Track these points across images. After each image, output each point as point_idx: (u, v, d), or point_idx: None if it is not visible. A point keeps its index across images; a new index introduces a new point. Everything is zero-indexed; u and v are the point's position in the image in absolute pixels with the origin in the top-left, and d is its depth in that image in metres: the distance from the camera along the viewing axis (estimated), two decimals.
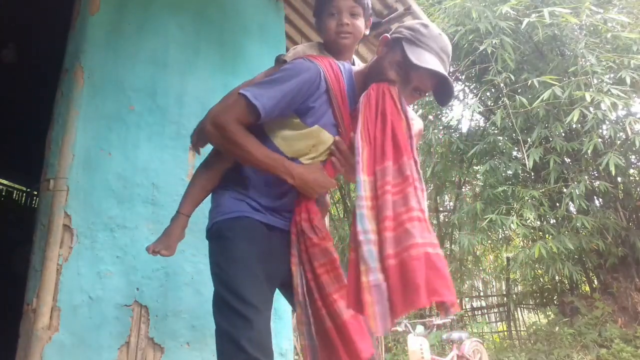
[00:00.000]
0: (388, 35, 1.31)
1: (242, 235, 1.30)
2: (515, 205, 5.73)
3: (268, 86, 1.26)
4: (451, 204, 8.41)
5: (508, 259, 7.92)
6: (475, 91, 7.01)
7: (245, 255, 1.27)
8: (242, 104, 1.24)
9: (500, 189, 5.84)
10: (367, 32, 1.59)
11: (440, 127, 7.53)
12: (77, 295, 1.96)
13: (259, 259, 1.28)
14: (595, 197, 6.21)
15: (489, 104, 7.00)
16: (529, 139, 5.46)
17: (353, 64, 1.59)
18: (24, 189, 7.76)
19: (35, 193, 7.14)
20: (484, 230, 6.27)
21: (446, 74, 1.24)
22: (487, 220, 5.59)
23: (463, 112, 7.15)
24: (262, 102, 1.22)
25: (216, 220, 1.35)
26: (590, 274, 6.75)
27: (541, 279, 7.78)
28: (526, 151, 5.31)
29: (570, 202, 5.56)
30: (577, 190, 5.22)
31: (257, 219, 1.35)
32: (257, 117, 1.24)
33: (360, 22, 1.54)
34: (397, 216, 1.11)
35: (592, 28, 5.21)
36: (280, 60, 1.51)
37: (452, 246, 7.53)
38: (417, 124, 1.43)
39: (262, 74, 1.52)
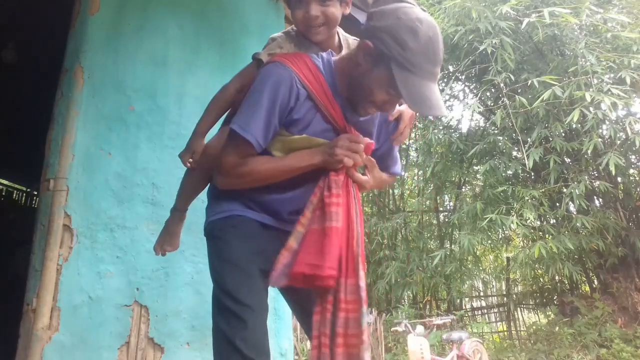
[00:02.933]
0: (370, 43, 1.15)
1: (234, 234, 1.27)
2: (515, 205, 5.73)
3: (250, 112, 1.21)
4: (451, 204, 8.41)
5: (508, 259, 7.92)
6: (475, 91, 7.01)
7: (238, 254, 1.25)
8: (237, 140, 1.21)
9: (500, 189, 5.84)
10: (348, 11, 1.38)
11: (440, 127, 7.53)
12: (77, 295, 1.96)
13: (252, 258, 1.25)
14: (595, 197, 6.21)
15: (489, 104, 7.00)
16: (529, 139, 5.46)
17: (339, 41, 1.44)
18: (24, 189, 7.76)
19: (35, 193, 7.14)
20: (484, 230, 6.27)
21: (443, 112, 1.15)
22: (487, 220, 5.59)
23: (463, 112, 7.15)
24: (253, 134, 1.18)
25: (210, 220, 1.34)
26: (590, 274, 6.75)
27: (541, 279, 7.78)
28: (526, 151, 5.31)
29: (570, 202, 5.56)
30: (577, 190, 5.22)
31: (250, 217, 1.31)
32: (256, 148, 1.20)
33: (334, 8, 1.31)
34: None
35: (592, 28, 5.21)
36: (256, 59, 1.39)
37: (452, 246, 7.53)
38: (406, 112, 1.39)
39: (239, 76, 1.45)
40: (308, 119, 1.26)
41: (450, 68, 6.76)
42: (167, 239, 1.59)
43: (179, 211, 1.59)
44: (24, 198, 7.76)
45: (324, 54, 1.33)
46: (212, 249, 1.33)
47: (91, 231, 2.05)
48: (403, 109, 1.38)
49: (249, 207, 1.32)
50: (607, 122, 5.12)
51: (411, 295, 7.83)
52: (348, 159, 1.18)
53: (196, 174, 1.50)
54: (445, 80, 7.03)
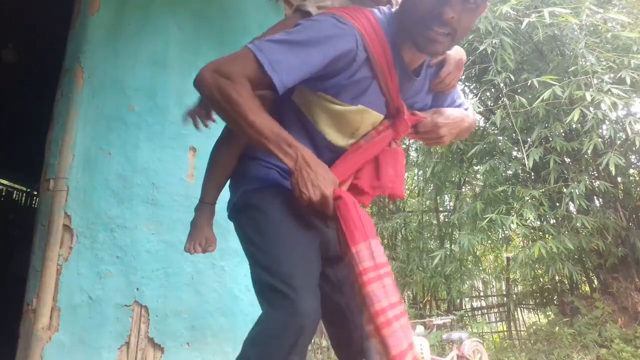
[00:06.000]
0: None
1: (277, 204, 1.08)
2: (515, 205, 5.73)
3: (288, 50, 0.96)
4: (451, 204, 8.41)
5: (508, 259, 7.92)
6: (475, 91, 7.01)
7: (284, 226, 1.06)
8: (255, 70, 0.95)
9: (500, 188, 5.84)
10: None
11: None
12: (77, 295, 1.96)
13: (303, 227, 1.08)
14: (595, 197, 6.21)
15: (489, 104, 7.00)
16: (529, 139, 5.45)
17: None
18: (24, 189, 7.76)
19: (35, 193, 7.14)
20: (484, 230, 6.27)
21: None
22: (486, 220, 5.59)
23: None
24: (280, 76, 0.94)
25: (242, 191, 1.15)
26: (590, 274, 6.74)
27: (541, 279, 7.78)
28: (526, 151, 5.31)
29: (570, 202, 5.56)
30: (577, 190, 5.22)
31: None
32: (269, 89, 0.97)
33: None
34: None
35: (592, 28, 5.21)
36: (301, 11, 1.19)
37: (452, 246, 7.53)
38: (452, 55, 1.23)
39: (278, 26, 1.21)
40: (364, 87, 1.07)
41: None
42: (201, 237, 1.33)
43: (206, 204, 1.34)
44: (24, 198, 7.76)
45: (385, 9, 1.13)
46: (249, 223, 1.10)
47: (91, 231, 2.05)
48: (450, 51, 1.21)
49: (286, 178, 1.12)
50: (607, 122, 5.11)
51: (411, 295, 7.83)
52: (307, 197, 0.99)
53: (226, 154, 1.26)
54: None
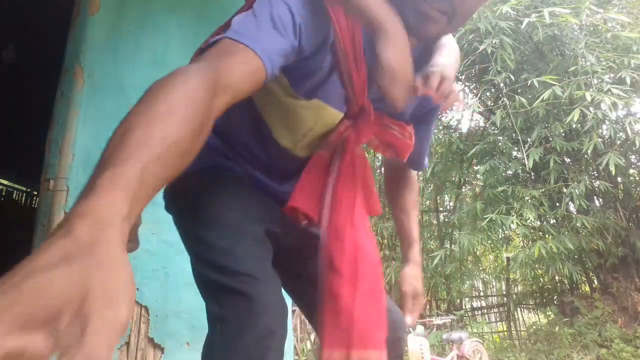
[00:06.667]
0: None
1: (219, 188, 0.91)
2: (515, 205, 5.74)
3: (268, 28, 0.72)
4: (451, 204, 8.42)
5: (508, 259, 7.93)
6: (475, 91, 7.02)
7: (229, 214, 0.88)
8: (248, 60, 0.67)
9: (500, 188, 5.85)
10: None
11: (440, 127, 7.53)
12: None
13: (248, 214, 0.89)
14: (595, 197, 6.21)
15: (489, 104, 7.01)
16: (529, 139, 5.46)
17: None
18: (24, 189, 7.77)
19: (36, 193, 7.15)
20: (484, 230, 6.28)
21: None
22: (487, 220, 5.60)
23: (463, 112, 7.18)
24: (271, 61, 0.69)
25: (179, 177, 0.91)
26: (590, 274, 6.75)
27: (541, 279, 7.79)
28: (526, 151, 5.31)
29: (570, 202, 5.57)
30: (577, 190, 5.23)
31: (238, 171, 0.97)
32: (268, 74, 0.70)
33: None
34: None
35: (592, 28, 5.22)
36: None
37: (452, 246, 7.54)
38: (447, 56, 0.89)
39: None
40: (322, 76, 0.85)
41: None
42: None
43: None
44: (24, 198, 7.76)
45: None
46: (187, 210, 0.93)
47: None
48: (444, 41, 0.92)
49: (230, 159, 0.98)
50: (607, 122, 5.12)
51: None
52: None
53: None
54: None
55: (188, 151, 0.53)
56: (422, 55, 0.89)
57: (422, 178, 8.30)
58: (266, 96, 0.88)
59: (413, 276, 1.20)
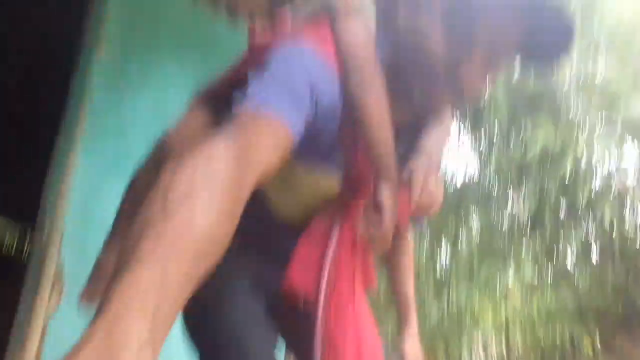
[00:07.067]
0: None
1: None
2: (511, 262, 5.70)
3: (288, 94, 0.66)
4: (447, 261, 8.32)
5: (507, 319, 7.75)
6: (470, 141, 7.15)
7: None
8: (275, 130, 0.62)
9: (495, 244, 5.82)
10: None
11: None
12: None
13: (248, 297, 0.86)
14: (592, 251, 6.18)
15: (482, 158, 7.11)
16: (524, 188, 5.50)
17: None
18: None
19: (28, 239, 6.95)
20: (481, 287, 6.18)
21: None
22: (483, 277, 5.53)
23: (457, 165, 7.29)
24: (297, 128, 0.65)
25: None
26: (592, 333, 6.58)
27: (542, 342, 7.58)
28: (521, 204, 5.33)
29: (567, 256, 5.52)
30: (573, 246, 5.21)
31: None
32: (288, 152, 0.65)
33: None
34: None
35: (581, 81, 5.35)
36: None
37: (450, 306, 7.37)
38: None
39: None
40: (326, 143, 0.77)
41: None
42: None
43: None
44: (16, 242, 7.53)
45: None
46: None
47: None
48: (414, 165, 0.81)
49: None
50: (598, 177, 5.19)
51: None
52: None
53: None
54: None
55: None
56: (413, 125, 0.85)
57: (418, 234, 8.24)
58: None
59: (413, 354, 1.13)
